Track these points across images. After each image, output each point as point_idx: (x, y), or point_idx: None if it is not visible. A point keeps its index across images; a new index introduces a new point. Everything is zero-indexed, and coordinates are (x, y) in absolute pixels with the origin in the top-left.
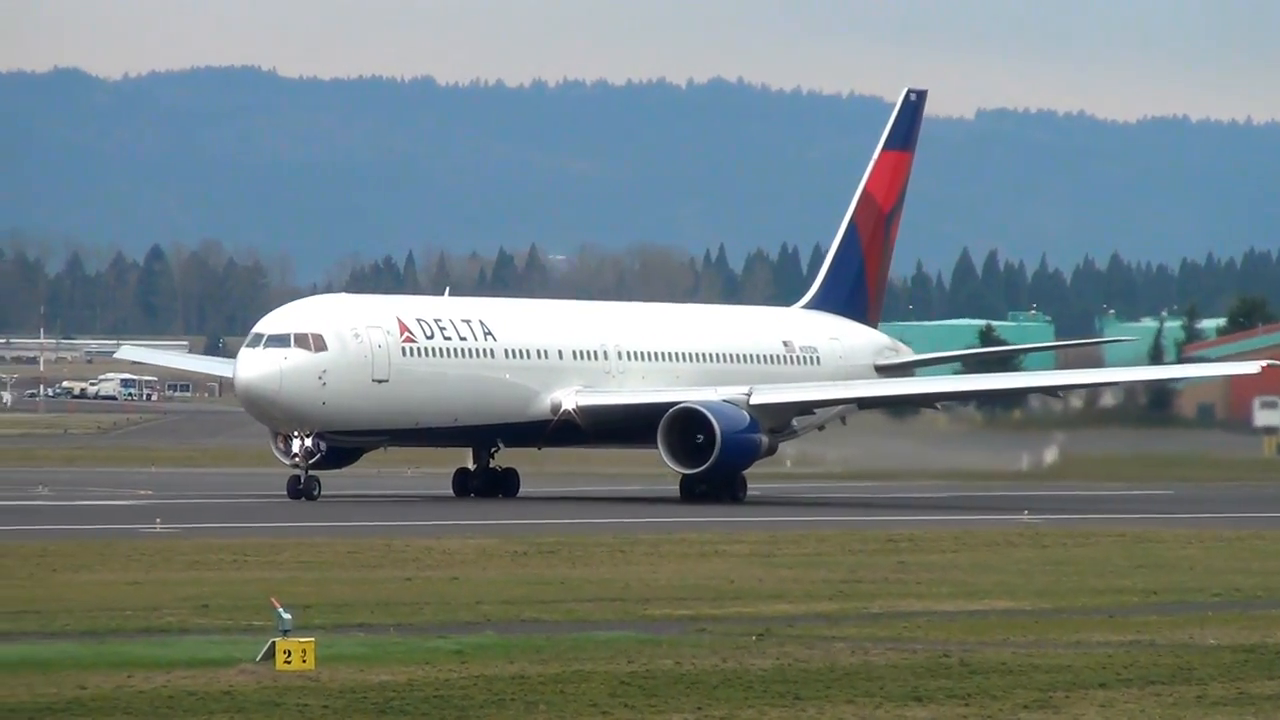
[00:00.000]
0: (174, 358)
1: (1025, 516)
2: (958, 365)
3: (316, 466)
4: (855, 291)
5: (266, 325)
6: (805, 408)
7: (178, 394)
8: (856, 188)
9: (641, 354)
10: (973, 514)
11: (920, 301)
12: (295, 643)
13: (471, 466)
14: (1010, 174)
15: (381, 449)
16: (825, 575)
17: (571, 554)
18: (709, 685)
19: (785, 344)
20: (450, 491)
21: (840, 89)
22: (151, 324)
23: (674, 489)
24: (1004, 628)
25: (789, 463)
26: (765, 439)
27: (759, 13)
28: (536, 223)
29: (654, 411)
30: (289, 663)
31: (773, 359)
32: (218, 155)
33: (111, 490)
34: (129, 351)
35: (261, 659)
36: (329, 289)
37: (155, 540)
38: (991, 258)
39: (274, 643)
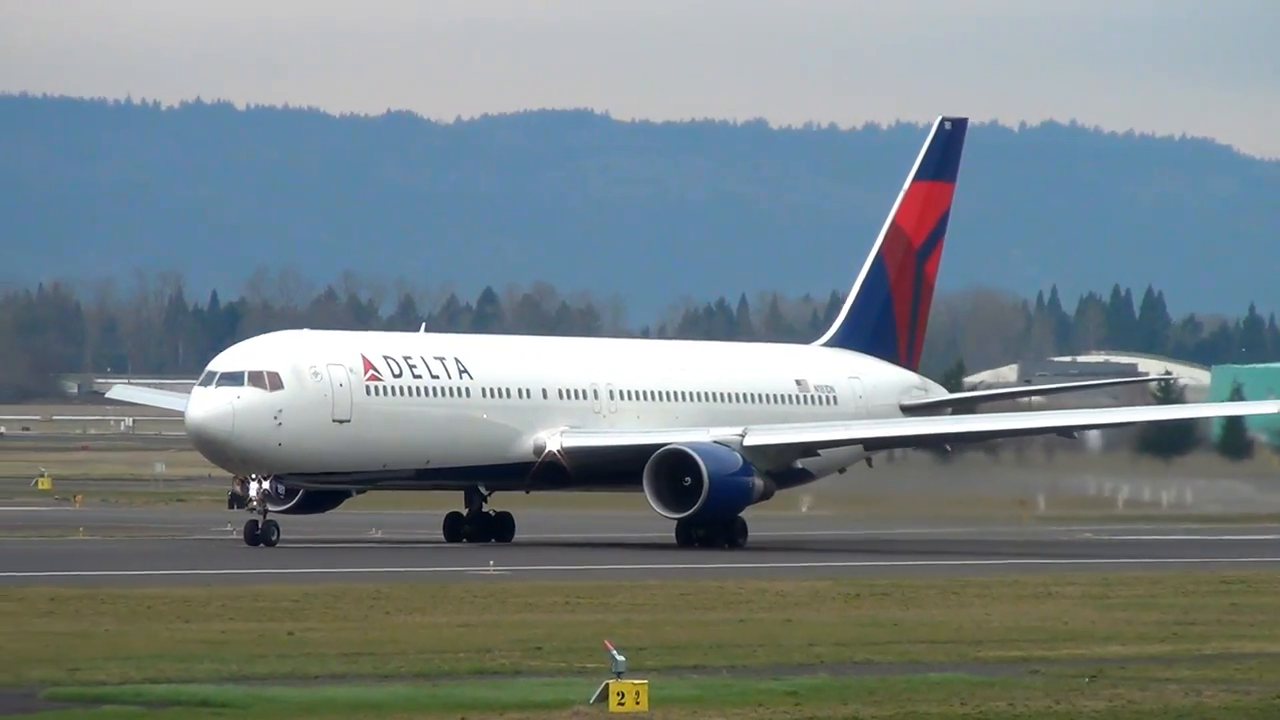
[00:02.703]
0: (164, 397)
1: None
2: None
3: (294, 511)
4: (880, 329)
5: (220, 363)
6: (806, 449)
7: None
8: (886, 219)
9: (636, 393)
10: None
11: (1254, 344)
12: (629, 685)
13: (464, 510)
14: None
15: (356, 493)
16: (1158, 617)
17: (904, 596)
18: None
19: (798, 383)
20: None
21: (1172, 131)
22: None
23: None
24: None
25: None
26: (760, 482)
27: (1094, 56)
28: None
29: (642, 453)
30: (622, 704)
31: (783, 399)
32: (550, 198)
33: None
34: (121, 391)
35: (595, 701)
36: (661, 333)
37: (488, 583)
38: None
39: (607, 685)
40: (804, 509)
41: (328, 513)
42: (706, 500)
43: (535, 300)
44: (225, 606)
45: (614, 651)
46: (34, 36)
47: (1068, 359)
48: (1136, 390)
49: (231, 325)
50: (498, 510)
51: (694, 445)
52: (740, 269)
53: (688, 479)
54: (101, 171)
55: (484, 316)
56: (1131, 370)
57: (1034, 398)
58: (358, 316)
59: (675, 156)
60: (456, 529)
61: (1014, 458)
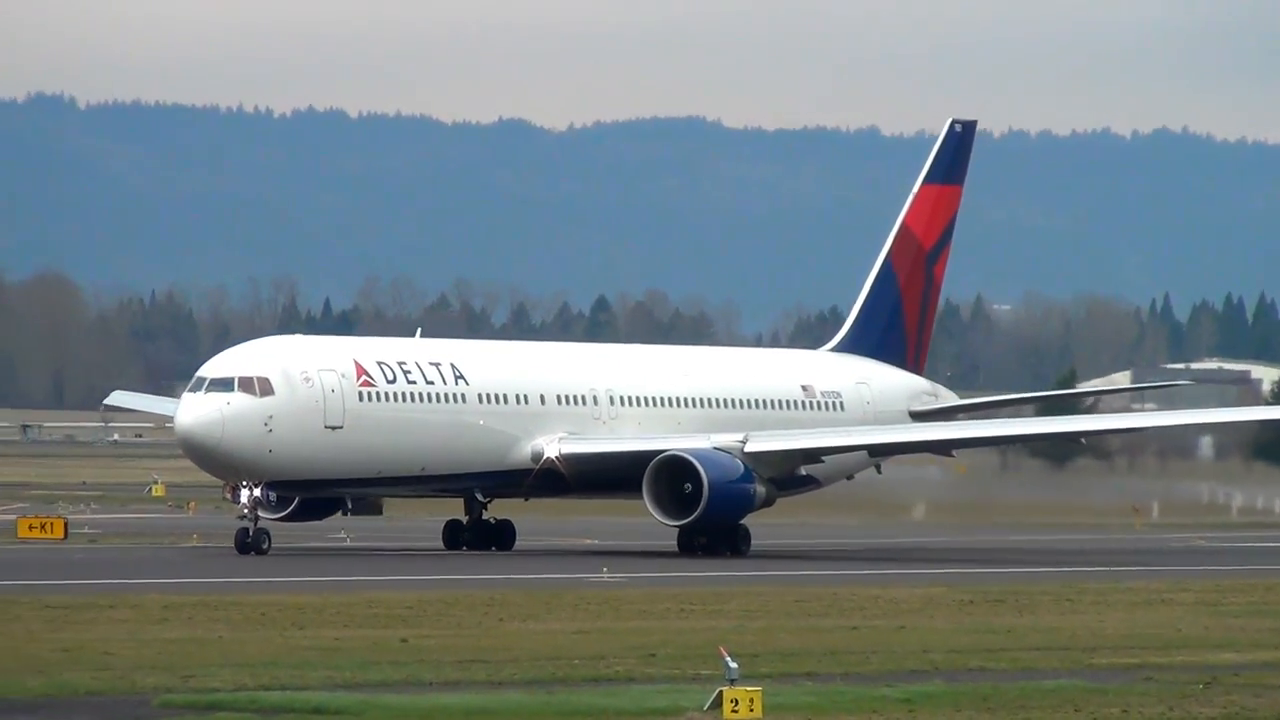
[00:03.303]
0: (162, 403)
1: None
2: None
3: (291, 518)
4: (890, 333)
5: (210, 368)
6: (809, 455)
7: None
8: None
9: (637, 399)
10: None
11: None
12: (743, 691)
13: (464, 518)
14: None
15: (350, 501)
16: (1272, 624)
17: (1018, 602)
18: None
19: (804, 388)
20: (441, 544)
21: None
22: None
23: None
24: None
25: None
26: (761, 489)
27: (1206, 64)
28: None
29: (642, 460)
30: (736, 711)
31: (788, 404)
32: (662, 205)
33: (557, 538)
34: (120, 397)
35: (709, 708)
36: (774, 340)
37: (602, 589)
38: None
39: (721, 691)
40: (917, 516)
41: (325, 520)
42: (706, 507)
43: (648, 308)
44: (339, 613)
45: (728, 658)
46: (147, 44)
47: (1180, 366)
48: (1250, 394)
49: (345, 333)
50: (498, 518)
51: (694, 451)
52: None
53: (688, 485)
54: (214, 179)
55: (597, 324)
56: (1244, 377)
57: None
58: (470, 324)
59: (787, 164)
60: (456, 537)
61: (1127, 465)
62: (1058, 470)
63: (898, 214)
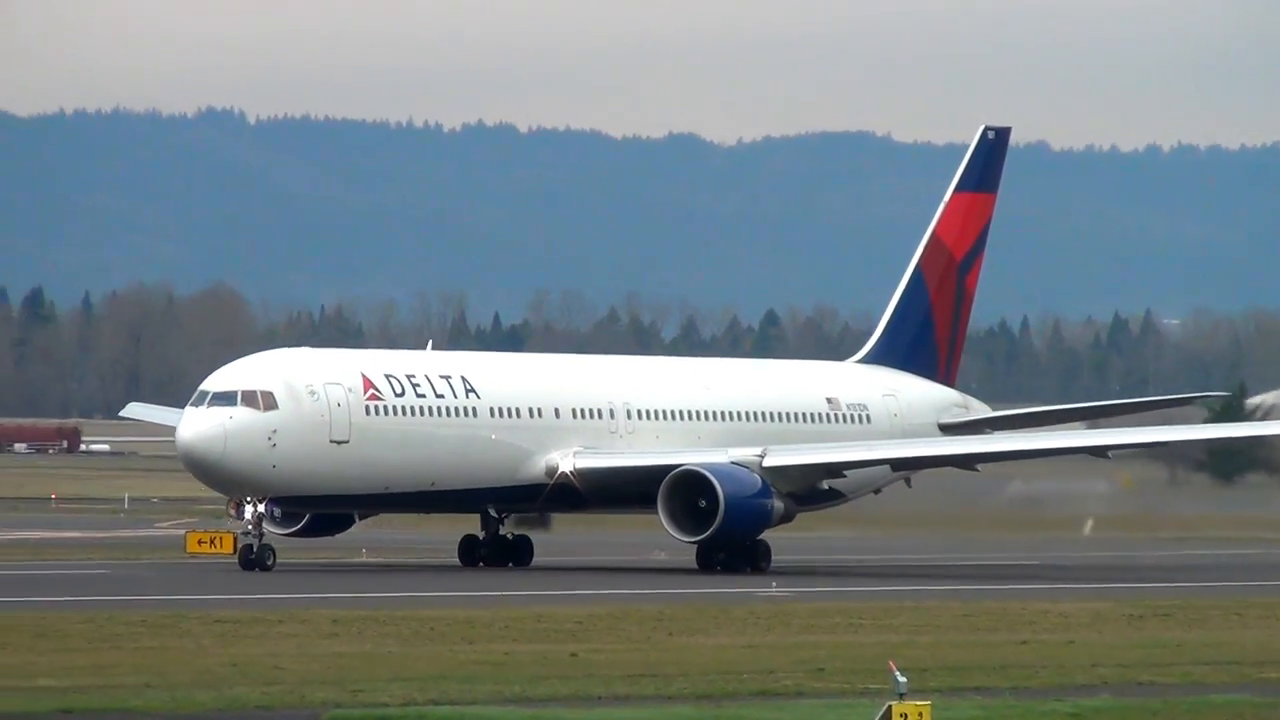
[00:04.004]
0: (177, 415)
1: None
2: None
3: (303, 534)
4: (919, 345)
5: (213, 382)
6: (830, 470)
7: None
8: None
9: (656, 412)
10: None
11: None
12: (912, 706)
13: (480, 534)
14: None
15: (359, 517)
16: None
17: (1187, 617)
18: None
19: (829, 401)
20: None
21: None
22: None
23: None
24: None
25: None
26: (780, 504)
27: None
28: (1152, 287)
29: (658, 475)
30: None
31: (812, 417)
32: (831, 220)
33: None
34: (135, 409)
35: None
36: None
37: (771, 603)
38: None
39: (890, 706)
40: (1087, 530)
41: (336, 536)
42: (722, 523)
43: (817, 322)
44: (508, 628)
45: (897, 672)
46: (317, 58)
47: None
48: None
49: (515, 348)
50: (515, 533)
51: (710, 466)
52: (1022, 291)
53: (703, 501)
54: (384, 193)
55: (766, 338)
56: None
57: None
58: (639, 339)
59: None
60: (473, 553)
61: None
62: (1226, 485)
63: (1068, 227)
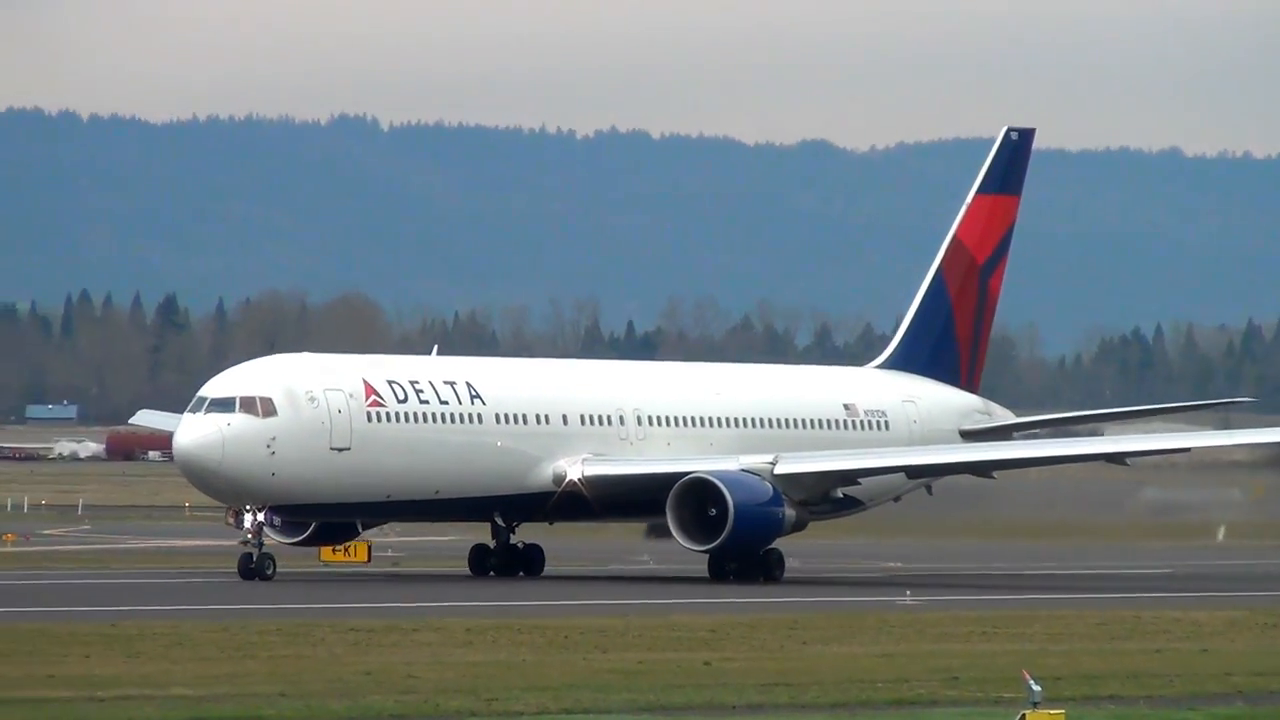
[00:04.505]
0: None
1: None
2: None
3: (308, 543)
4: (940, 350)
5: (211, 388)
6: (844, 478)
7: None
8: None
9: (667, 418)
10: None
11: None
12: (1046, 715)
13: (491, 543)
14: None
15: (361, 527)
16: None
17: None
18: None
19: (846, 407)
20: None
21: None
22: None
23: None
24: None
25: None
26: (791, 512)
27: None
28: None
29: (668, 483)
30: None
31: (829, 424)
32: None
33: (860, 561)
34: (144, 417)
35: None
36: (1077, 362)
37: (905, 612)
38: None
39: (1024, 715)
40: (1219, 537)
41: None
42: (732, 531)
43: None
44: (641, 636)
45: (1031, 681)
46: (450, 65)
47: None
48: None
49: (648, 355)
50: (526, 542)
51: (719, 474)
52: (1155, 298)
53: (713, 509)
54: (517, 200)
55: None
56: None
57: None
58: (772, 346)
59: (1090, 185)
60: (483, 562)
61: None
62: None
63: (1200, 234)
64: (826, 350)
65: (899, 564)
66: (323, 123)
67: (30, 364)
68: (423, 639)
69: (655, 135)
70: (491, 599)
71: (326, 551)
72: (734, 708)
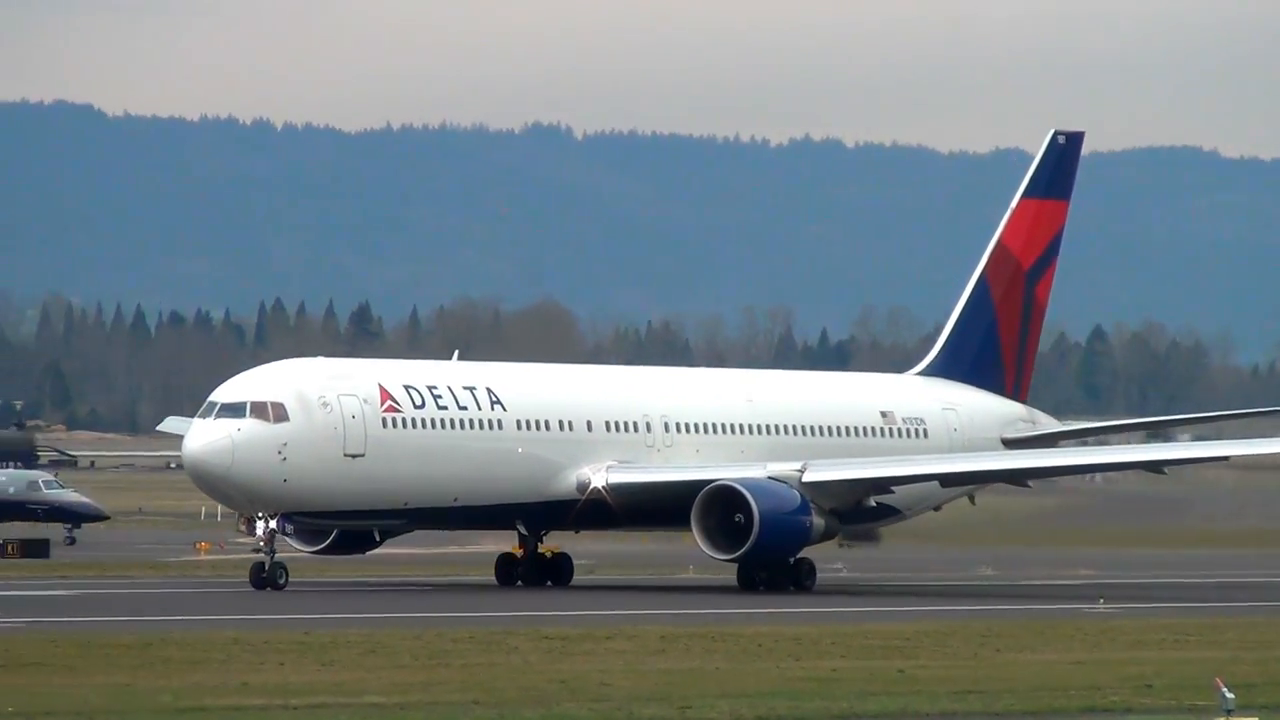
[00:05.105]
0: None
1: None
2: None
3: (329, 552)
4: (983, 356)
5: (222, 393)
6: (877, 486)
7: None
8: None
9: (696, 425)
10: None
11: None
12: None
13: (518, 552)
14: None
15: (378, 535)
16: None
17: None
18: None
19: (884, 414)
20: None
21: None
22: (1093, 404)
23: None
24: None
25: None
26: (820, 521)
27: None
28: None
29: (695, 491)
30: None
31: (865, 431)
32: (1158, 236)
33: (1052, 570)
34: (171, 423)
35: None
36: (1270, 370)
37: (1098, 619)
38: None
39: None
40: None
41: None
42: (757, 539)
43: (1144, 338)
44: (835, 644)
45: (1224, 689)
46: (644, 74)
47: None
48: None
49: (840, 364)
50: (554, 551)
51: (744, 481)
52: None
53: (739, 517)
54: (710, 209)
55: (1093, 354)
56: None
57: None
58: None
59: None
60: (510, 572)
61: None
62: None
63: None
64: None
65: (1093, 571)
66: (516, 131)
67: (224, 372)
68: (616, 646)
69: (849, 144)
70: (691, 606)
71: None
72: (927, 715)
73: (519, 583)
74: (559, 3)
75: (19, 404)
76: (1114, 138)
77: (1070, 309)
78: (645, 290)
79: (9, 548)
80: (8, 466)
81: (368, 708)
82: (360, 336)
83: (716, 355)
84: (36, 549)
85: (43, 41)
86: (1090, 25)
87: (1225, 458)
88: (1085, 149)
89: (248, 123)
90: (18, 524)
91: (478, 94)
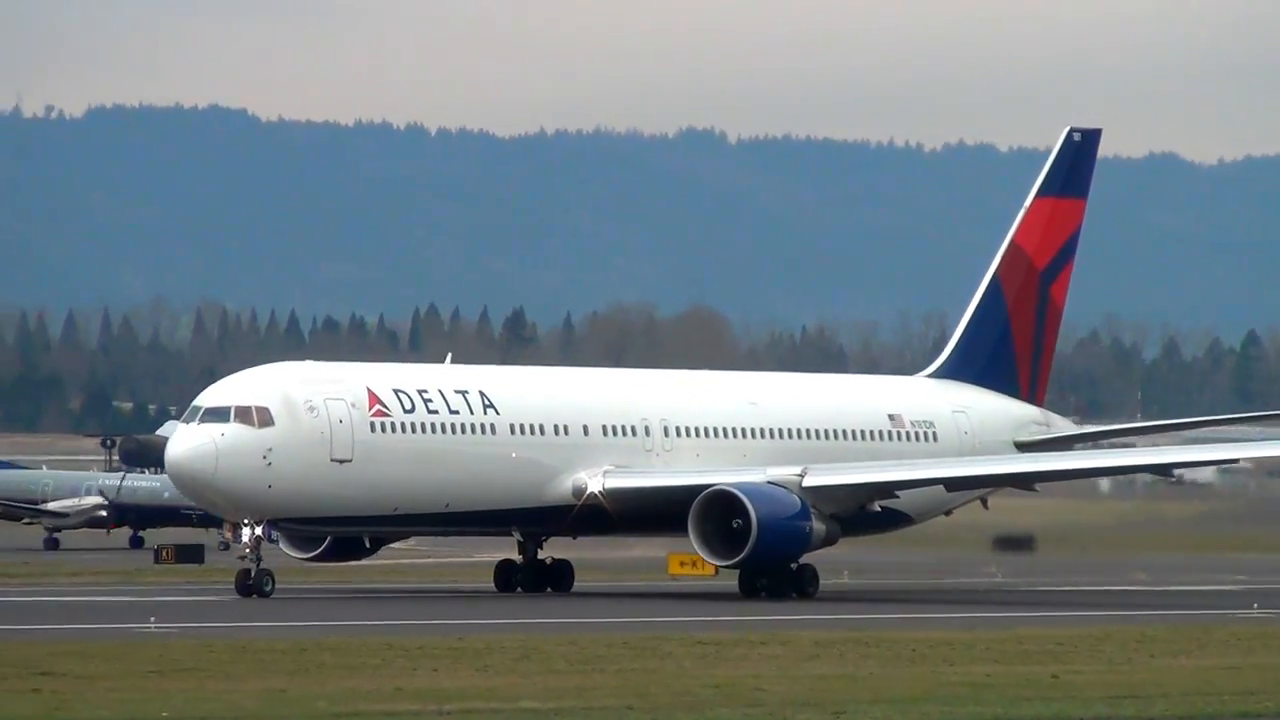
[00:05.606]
0: None
1: None
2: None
3: (322, 559)
4: (996, 358)
5: (206, 397)
6: (880, 490)
7: None
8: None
9: (697, 429)
10: None
11: None
12: None
13: (517, 558)
14: None
15: (368, 541)
16: None
17: None
18: None
19: (892, 418)
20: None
21: None
22: (1247, 408)
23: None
24: None
25: None
26: (820, 526)
27: None
28: None
29: (691, 495)
30: None
31: (871, 435)
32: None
33: (1205, 575)
34: (170, 429)
35: None
36: None
37: (1252, 625)
38: None
39: None
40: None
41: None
42: (755, 545)
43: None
44: (989, 649)
45: None
46: (798, 79)
47: None
48: None
49: None
50: (555, 558)
51: (742, 486)
52: None
53: (737, 522)
54: (864, 214)
55: (1247, 360)
56: None
57: None
58: (1117, 360)
59: None
60: (509, 578)
61: None
62: None
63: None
64: (1174, 365)
65: (1245, 576)
66: (670, 135)
67: None
68: (770, 651)
69: (1002, 148)
70: (844, 612)
71: (674, 564)
72: None
73: (518, 589)
74: (712, 7)
75: (173, 409)
76: (1270, 141)
77: (1226, 316)
78: (799, 295)
79: (164, 553)
80: (162, 472)
81: (523, 713)
82: (514, 342)
83: (870, 361)
84: (191, 554)
85: (199, 47)
86: (1242, 31)
87: (1235, 460)
88: (1235, 153)
89: (401, 127)
90: (172, 529)
91: (631, 99)
